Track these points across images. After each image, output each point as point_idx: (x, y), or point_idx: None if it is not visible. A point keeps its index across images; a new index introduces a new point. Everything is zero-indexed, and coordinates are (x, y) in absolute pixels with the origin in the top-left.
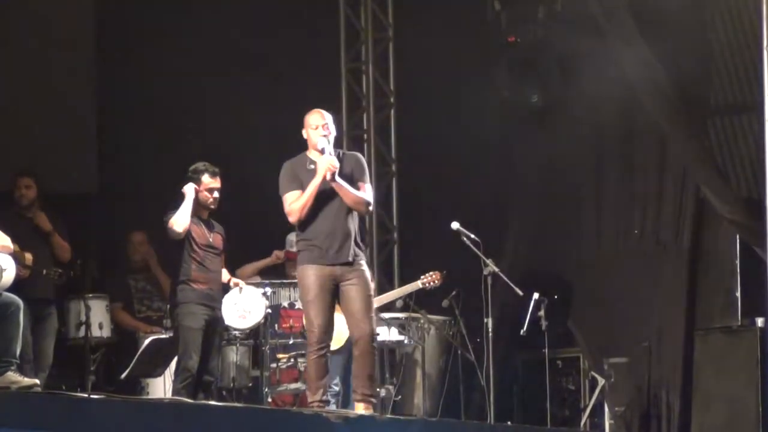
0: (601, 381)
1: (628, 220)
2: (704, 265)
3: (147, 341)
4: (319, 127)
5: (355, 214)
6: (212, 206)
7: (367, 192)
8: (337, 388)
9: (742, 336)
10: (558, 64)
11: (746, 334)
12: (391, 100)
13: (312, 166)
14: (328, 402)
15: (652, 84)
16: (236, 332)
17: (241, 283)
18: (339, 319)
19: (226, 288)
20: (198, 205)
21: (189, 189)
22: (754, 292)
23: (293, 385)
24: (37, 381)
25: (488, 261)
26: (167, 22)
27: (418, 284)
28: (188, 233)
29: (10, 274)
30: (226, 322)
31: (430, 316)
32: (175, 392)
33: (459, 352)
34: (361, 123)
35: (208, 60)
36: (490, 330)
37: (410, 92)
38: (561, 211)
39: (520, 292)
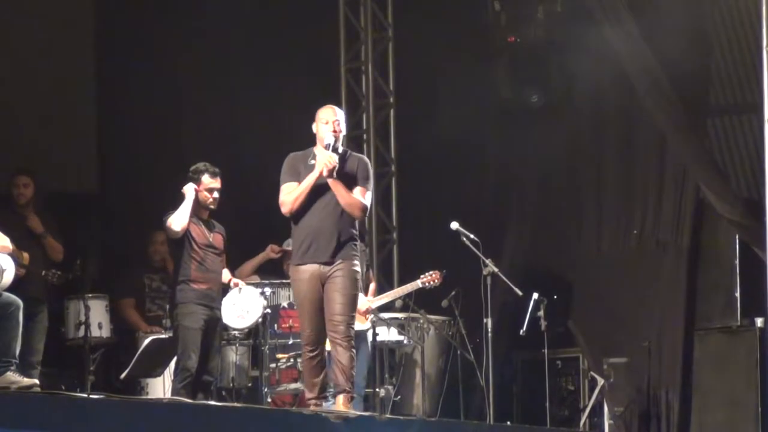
0: (601, 381)
1: (628, 220)
2: (704, 265)
3: (146, 341)
4: (330, 123)
5: (348, 215)
6: (212, 206)
7: (365, 197)
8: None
9: (741, 336)
10: (558, 65)
11: (746, 334)
12: (391, 100)
13: (313, 162)
14: (326, 398)
15: (651, 84)
16: (235, 332)
17: (241, 283)
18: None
19: (226, 289)
20: (198, 205)
21: (189, 189)
22: (753, 292)
23: (292, 385)
24: (37, 381)
25: (488, 261)
26: (167, 22)
27: (417, 284)
28: (188, 233)
29: (9, 275)
30: (225, 322)
31: (429, 316)
32: (174, 392)
33: (458, 352)
34: (360, 123)
35: (208, 60)
36: (489, 330)
37: (410, 92)
38: (560, 212)
39: (520, 292)
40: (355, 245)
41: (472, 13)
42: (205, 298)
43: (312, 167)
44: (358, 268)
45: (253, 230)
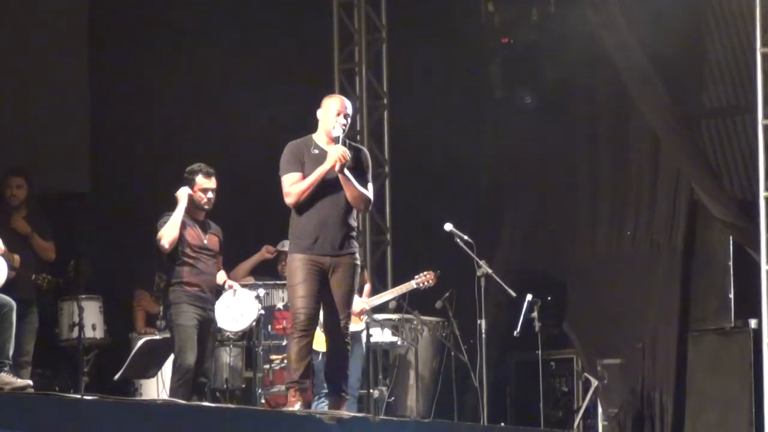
0: (595, 382)
1: (622, 221)
2: (698, 266)
3: (140, 342)
4: (341, 115)
5: (352, 208)
6: (206, 206)
7: (369, 190)
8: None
9: (735, 337)
10: (551, 67)
11: (739, 335)
12: (385, 101)
13: (316, 151)
14: (304, 384)
15: (645, 86)
16: (229, 334)
17: (235, 285)
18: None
19: (220, 290)
20: (193, 205)
21: (182, 193)
22: (747, 293)
23: None
24: (30, 382)
25: (481, 262)
26: (161, 23)
27: (412, 284)
28: (182, 236)
29: (2, 276)
30: (219, 325)
31: (423, 318)
32: (172, 391)
33: (452, 353)
34: (354, 124)
35: (201, 62)
36: (483, 331)
37: (403, 93)
38: (555, 213)
39: (514, 294)
40: (357, 238)
41: (466, 15)
42: (198, 300)
43: (315, 156)
44: (359, 262)
45: (248, 232)
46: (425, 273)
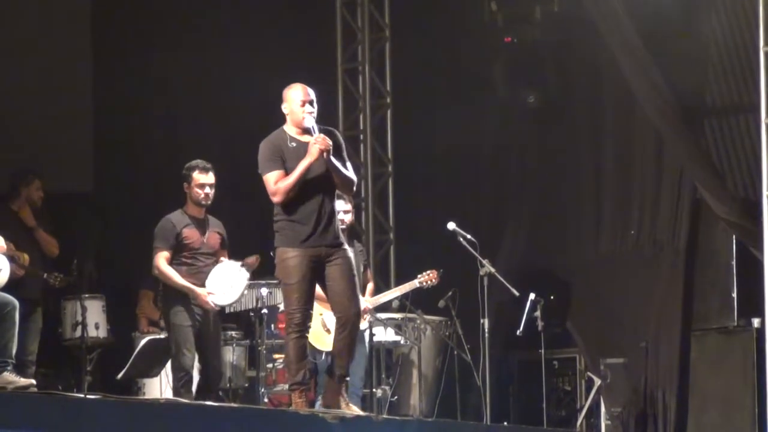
0: (598, 381)
1: (625, 220)
2: (701, 265)
3: (143, 341)
4: (306, 104)
5: (336, 195)
6: (203, 202)
7: (350, 170)
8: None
9: (738, 336)
10: (555, 65)
11: (742, 334)
12: (388, 100)
13: (293, 144)
14: (307, 385)
15: (648, 85)
16: (232, 332)
17: (223, 258)
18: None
19: None
20: (191, 203)
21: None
22: (750, 292)
23: None
24: (34, 381)
25: (484, 261)
26: (163, 23)
27: (415, 283)
28: (181, 238)
29: (4, 275)
30: (212, 302)
31: (426, 317)
32: (175, 392)
33: (455, 352)
34: (357, 123)
35: (204, 61)
36: (486, 330)
37: (407, 93)
38: (558, 212)
39: (516, 293)
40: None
41: (469, 14)
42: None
43: (294, 150)
44: (351, 254)
45: (250, 233)
46: (428, 272)
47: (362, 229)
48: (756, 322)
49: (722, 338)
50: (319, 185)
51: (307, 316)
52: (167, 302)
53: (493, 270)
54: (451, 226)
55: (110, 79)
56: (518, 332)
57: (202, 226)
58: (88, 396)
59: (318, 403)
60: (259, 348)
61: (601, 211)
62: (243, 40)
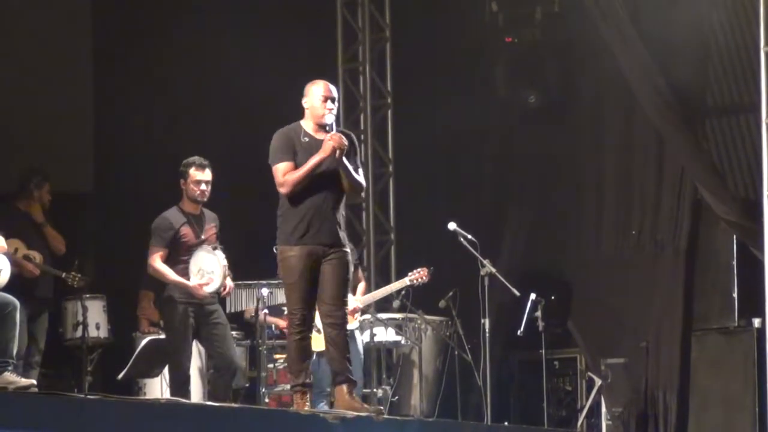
0: (599, 381)
1: (626, 220)
2: (701, 265)
3: (144, 341)
4: (328, 100)
5: (343, 197)
6: (200, 199)
7: (361, 176)
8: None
9: (739, 336)
10: (555, 66)
11: (743, 334)
12: (389, 100)
13: (306, 139)
14: (310, 386)
15: (649, 85)
16: (233, 332)
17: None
18: None
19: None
20: (187, 199)
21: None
22: (751, 292)
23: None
24: (34, 381)
25: (485, 261)
26: (164, 24)
27: (405, 281)
28: (179, 236)
29: (5, 275)
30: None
31: (427, 317)
32: (173, 395)
33: (456, 352)
34: (358, 123)
35: (204, 61)
36: (487, 330)
37: (407, 93)
38: (559, 212)
39: (517, 293)
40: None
41: (470, 14)
42: (192, 296)
43: (306, 145)
44: (350, 258)
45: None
46: (419, 270)
47: (363, 229)
48: (757, 322)
49: (723, 338)
50: (325, 184)
51: (307, 317)
52: (166, 304)
53: (493, 270)
54: (452, 226)
55: (110, 79)
56: (519, 332)
57: (199, 222)
58: (88, 396)
59: (319, 404)
60: (260, 348)
61: (602, 211)
62: (244, 41)
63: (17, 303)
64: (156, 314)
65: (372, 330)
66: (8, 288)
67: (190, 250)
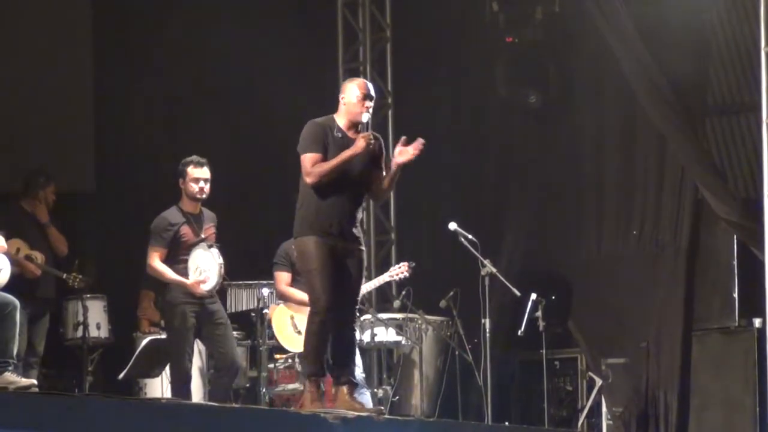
0: (599, 381)
1: (627, 220)
2: (702, 265)
3: (144, 341)
4: (366, 99)
5: (364, 197)
6: (198, 196)
7: None
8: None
9: (739, 337)
10: (556, 66)
11: (744, 334)
12: (389, 100)
13: (339, 134)
14: (324, 376)
15: (649, 85)
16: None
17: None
18: None
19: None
20: (186, 198)
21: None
22: (751, 292)
23: (291, 386)
24: (35, 381)
25: (486, 262)
26: (165, 24)
27: (386, 277)
28: (179, 236)
29: (5, 275)
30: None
31: (427, 317)
32: (174, 395)
33: (456, 352)
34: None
35: (205, 62)
36: (487, 330)
37: (408, 93)
38: (559, 212)
39: (518, 293)
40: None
41: (470, 14)
42: (194, 295)
43: (338, 140)
44: (365, 256)
45: (250, 232)
46: (399, 265)
47: (363, 229)
48: (757, 322)
49: (723, 338)
50: (350, 182)
51: (332, 300)
52: (167, 304)
53: (494, 270)
54: (453, 226)
55: (110, 79)
56: (519, 332)
57: (198, 221)
58: (89, 396)
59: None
60: (261, 348)
61: (603, 211)
62: (244, 41)
63: (17, 303)
64: (156, 314)
65: (372, 330)
66: (10, 288)
67: (189, 249)
